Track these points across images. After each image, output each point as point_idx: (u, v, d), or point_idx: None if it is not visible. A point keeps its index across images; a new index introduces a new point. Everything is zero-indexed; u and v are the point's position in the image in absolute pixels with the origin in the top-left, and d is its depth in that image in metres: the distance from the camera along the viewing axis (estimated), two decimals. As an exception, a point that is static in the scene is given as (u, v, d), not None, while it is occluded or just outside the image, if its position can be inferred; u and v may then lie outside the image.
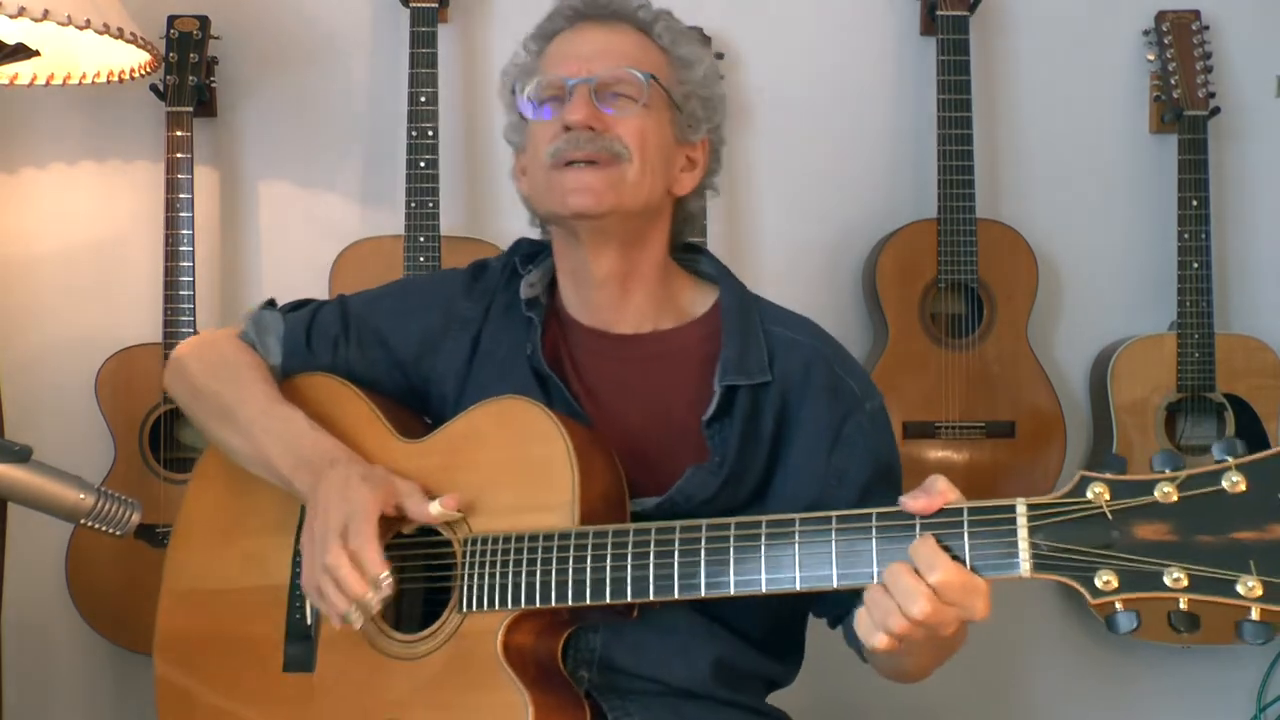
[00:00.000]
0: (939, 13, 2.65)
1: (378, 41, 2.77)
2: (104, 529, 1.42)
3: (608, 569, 1.35)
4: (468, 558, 1.43)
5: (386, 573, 1.38)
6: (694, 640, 1.50)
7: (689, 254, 1.68)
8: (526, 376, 1.55)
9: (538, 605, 1.38)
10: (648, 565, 1.33)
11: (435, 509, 1.42)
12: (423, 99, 2.56)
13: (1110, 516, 1.11)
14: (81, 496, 1.39)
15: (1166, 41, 2.72)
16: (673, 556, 1.32)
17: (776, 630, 1.58)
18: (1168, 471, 1.10)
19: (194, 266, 2.53)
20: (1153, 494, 1.10)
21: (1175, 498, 1.09)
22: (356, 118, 2.77)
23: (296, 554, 1.55)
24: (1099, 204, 2.83)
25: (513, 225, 2.53)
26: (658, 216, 1.57)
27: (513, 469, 1.45)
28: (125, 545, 2.41)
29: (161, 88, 2.57)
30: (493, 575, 1.41)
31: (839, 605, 1.51)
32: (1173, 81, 2.69)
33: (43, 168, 2.72)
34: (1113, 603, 1.11)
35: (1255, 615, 1.07)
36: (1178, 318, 2.64)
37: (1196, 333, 2.63)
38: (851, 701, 2.76)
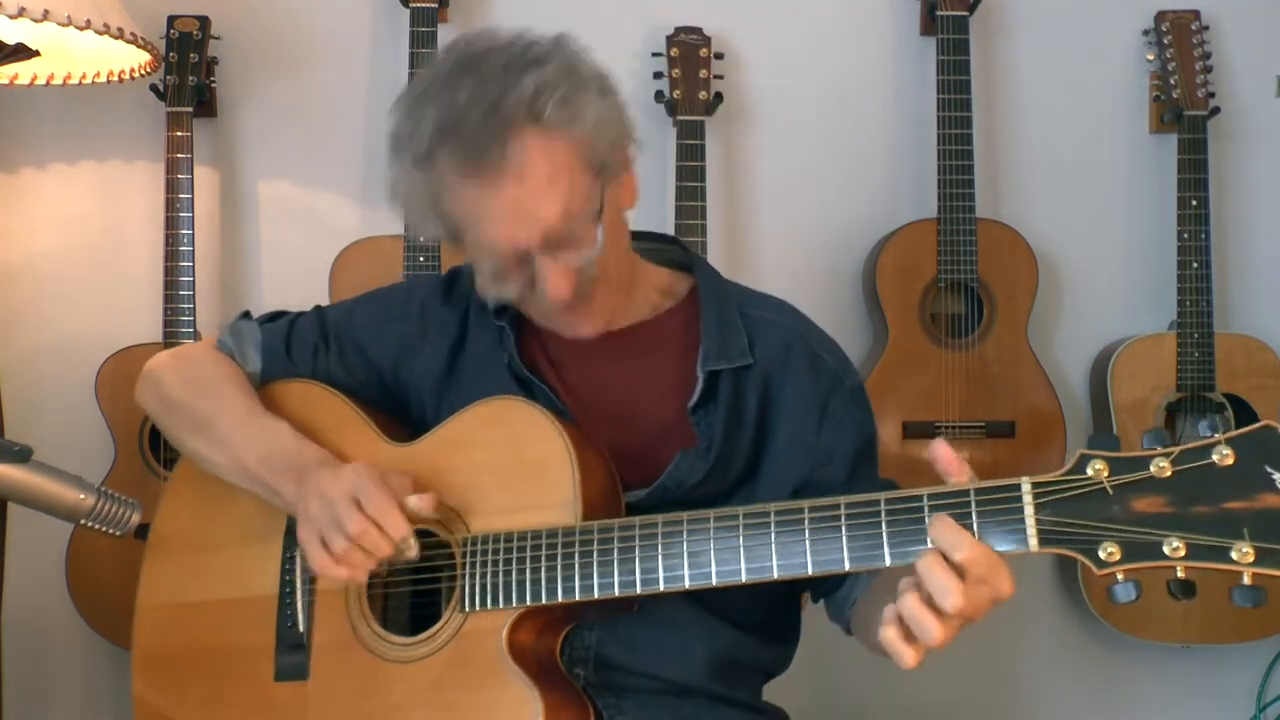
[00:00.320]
0: (939, 13, 2.65)
1: (378, 41, 2.77)
2: (104, 529, 1.41)
3: (615, 563, 1.36)
4: (468, 558, 1.43)
5: (410, 536, 1.40)
6: (690, 634, 1.50)
7: (660, 243, 1.67)
8: (508, 382, 1.55)
9: (544, 602, 1.38)
10: (656, 557, 1.34)
11: (412, 501, 1.41)
12: (423, 99, 2.56)
13: (1110, 491, 1.17)
14: (81, 496, 1.39)
15: (1166, 41, 2.72)
16: (681, 546, 1.34)
17: (771, 615, 1.59)
18: (1161, 448, 1.16)
19: (194, 266, 2.53)
20: (1149, 469, 1.16)
21: (1170, 472, 1.15)
22: (356, 118, 2.77)
23: (285, 562, 1.54)
24: (1099, 204, 2.83)
25: (513, 225, 2.53)
26: None
27: (509, 469, 1.45)
28: (125, 545, 2.37)
29: (161, 88, 2.57)
30: (495, 573, 1.41)
31: (825, 581, 1.51)
32: (1172, 81, 2.69)
33: (43, 168, 2.72)
34: (1115, 573, 1.17)
35: (1247, 580, 1.14)
36: (1178, 317, 2.64)
37: (1196, 332, 2.63)
38: (852, 701, 2.76)
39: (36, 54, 2.16)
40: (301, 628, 1.52)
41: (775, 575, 1.29)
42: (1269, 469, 1.13)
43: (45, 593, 2.60)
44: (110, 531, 1.42)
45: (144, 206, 2.69)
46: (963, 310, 2.67)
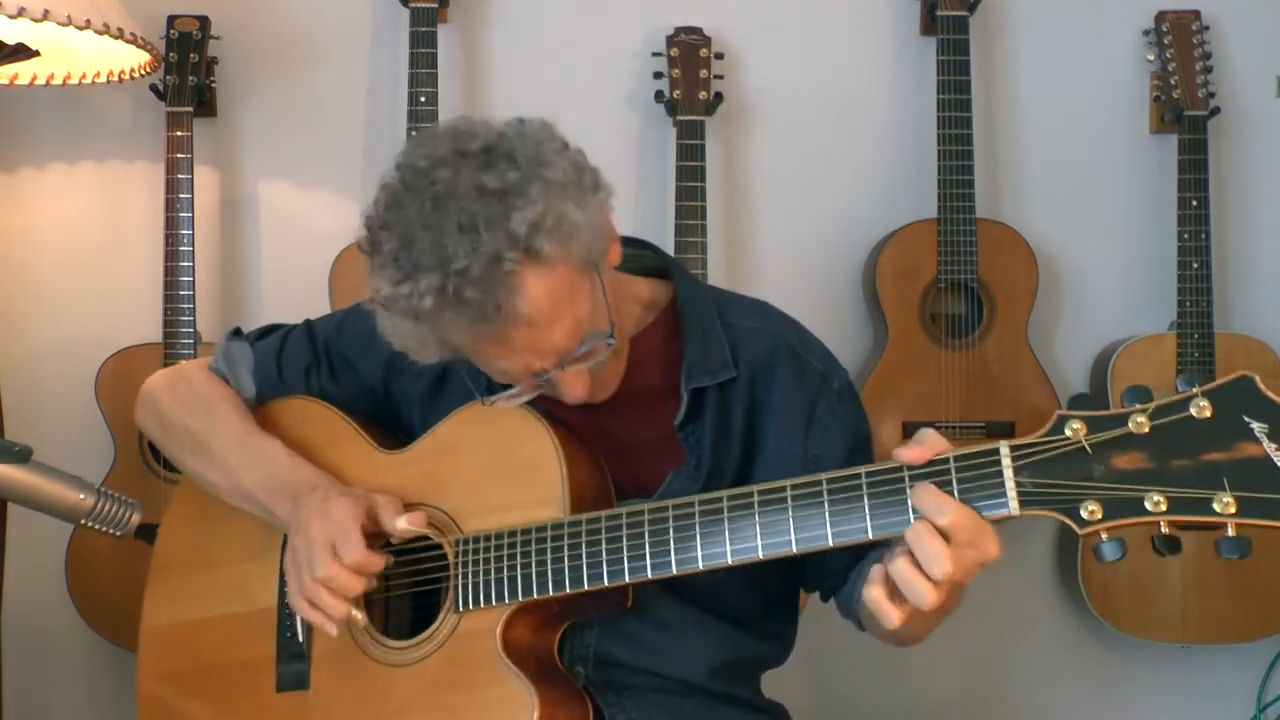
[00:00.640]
0: (939, 13, 2.65)
1: (378, 41, 2.77)
2: (104, 529, 1.42)
3: (603, 551, 1.36)
4: (460, 558, 1.44)
5: (388, 563, 1.43)
6: (687, 632, 1.50)
7: (636, 249, 1.60)
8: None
9: (535, 596, 1.39)
10: (643, 543, 1.35)
11: (401, 523, 1.43)
12: (423, 99, 2.56)
13: (1089, 450, 1.17)
14: (81, 497, 1.40)
15: (1166, 42, 2.72)
16: (668, 533, 1.34)
17: (768, 610, 1.59)
18: (1139, 405, 1.16)
19: (194, 266, 2.53)
20: (1127, 426, 1.16)
21: (1148, 428, 1.15)
22: (356, 118, 2.77)
23: (284, 575, 1.54)
24: (1099, 204, 2.83)
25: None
26: None
27: (499, 470, 1.46)
28: (125, 545, 2.37)
29: (161, 88, 2.57)
30: (487, 572, 1.42)
31: (830, 578, 1.53)
32: (1173, 81, 2.69)
33: (43, 168, 2.72)
34: (1099, 532, 1.16)
35: (1231, 531, 1.13)
36: (1178, 318, 2.64)
37: (1196, 333, 2.63)
38: (851, 701, 2.76)
39: (36, 54, 2.16)
40: (301, 638, 1.53)
41: (760, 555, 1.30)
42: (1247, 419, 1.13)
43: (45, 593, 2.60)
44: (110, 532, 1.42)
45: (144, 206, 2.69)
46: (963, 310, 2.67)
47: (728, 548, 1.31)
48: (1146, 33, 2.78)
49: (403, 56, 2.61)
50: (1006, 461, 1.20)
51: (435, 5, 2.60)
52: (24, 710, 2.64)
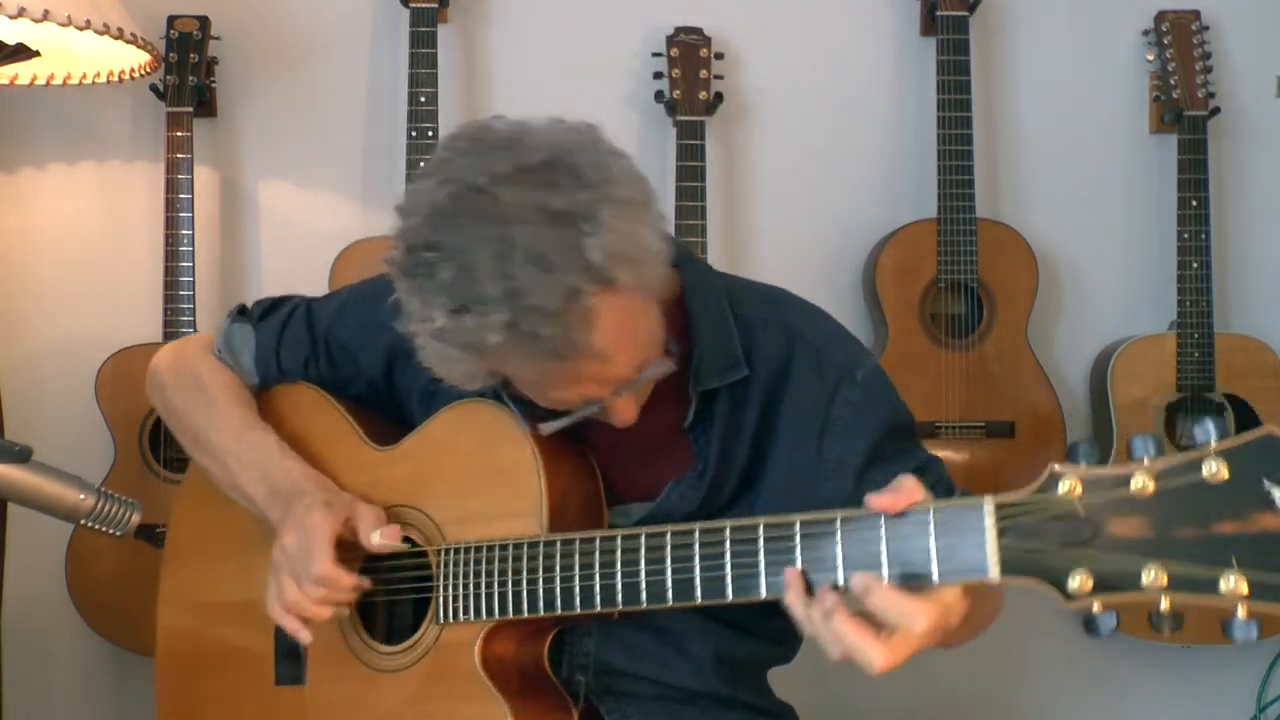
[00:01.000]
0: (939, 13, 2.65)
1: (378, 42, 2.77)
2: (104, 529, 1.41)
3: (576, 579, 1.33)
4: (443, 568, 1.42)
5: (360, 581, 1.42)
6: (686, 637, 1.48)
7: None
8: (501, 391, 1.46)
9: (510, 616, 1.36)
10: (615, 574, 1.31)
11: (375, 538, 1.41)
12: (423, 99, 2.56)
13: (1083, 513, 1.03)
14: (81, 496, 1.39)
15: (1166, 42, 2.72)
16: (639, 565, 1.29)
17: (766, 614, 1.56)
18: (1145, 461, 1.02)
19: (194, 266, 2.53)
20: (1129, 486, 1.01)
21: (1152, 489, 1.01)
22: (356, 118, 2.77)
23: None
24: (1099, 204, 2.83)
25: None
26: None
27: (480, 475, 1.43)
28: (125, 545, 2.40)
29: (161, 88, 2.57)
30: (467, 585, 1.39)
31: None
32: (1172, 82, 2.69)
33: (43, 168, 2.72)
34: (1090, 604, 1.03)
35: (1241, 614, 0.98)
36: (1177, 318, 2.64)
37: (1196, 332, 2.63)
38: (852, 702, 2.76)
39: (36, 54, 2.16)
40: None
41: (729, 599, 1.23)
42: (1268, 485, 0.97)
43: (45, 593, 2.59)
44: (110, 532, 1.42)
45: (144, 206, 2.69)
46: (963, 310, 2.67)
47: (697, 593, 1.25)
48: (1146, 33, 2.78)
49: (403, 56, 2.61)
50: (990, 520, 1.07)
51: (435, 5, 2.60)
52: (24, 710, 2.64)
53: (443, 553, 1.42)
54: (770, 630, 1.57)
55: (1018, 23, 2.83)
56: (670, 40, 2.67)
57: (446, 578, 1.41)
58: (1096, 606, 1.03)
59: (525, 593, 1.35)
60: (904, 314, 2.64)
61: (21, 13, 1.96)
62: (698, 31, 2.68)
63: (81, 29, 2.04)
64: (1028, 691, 2.86)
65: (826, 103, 2.81)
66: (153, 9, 2.55)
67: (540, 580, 1.34)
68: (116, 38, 2.11)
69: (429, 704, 1.42)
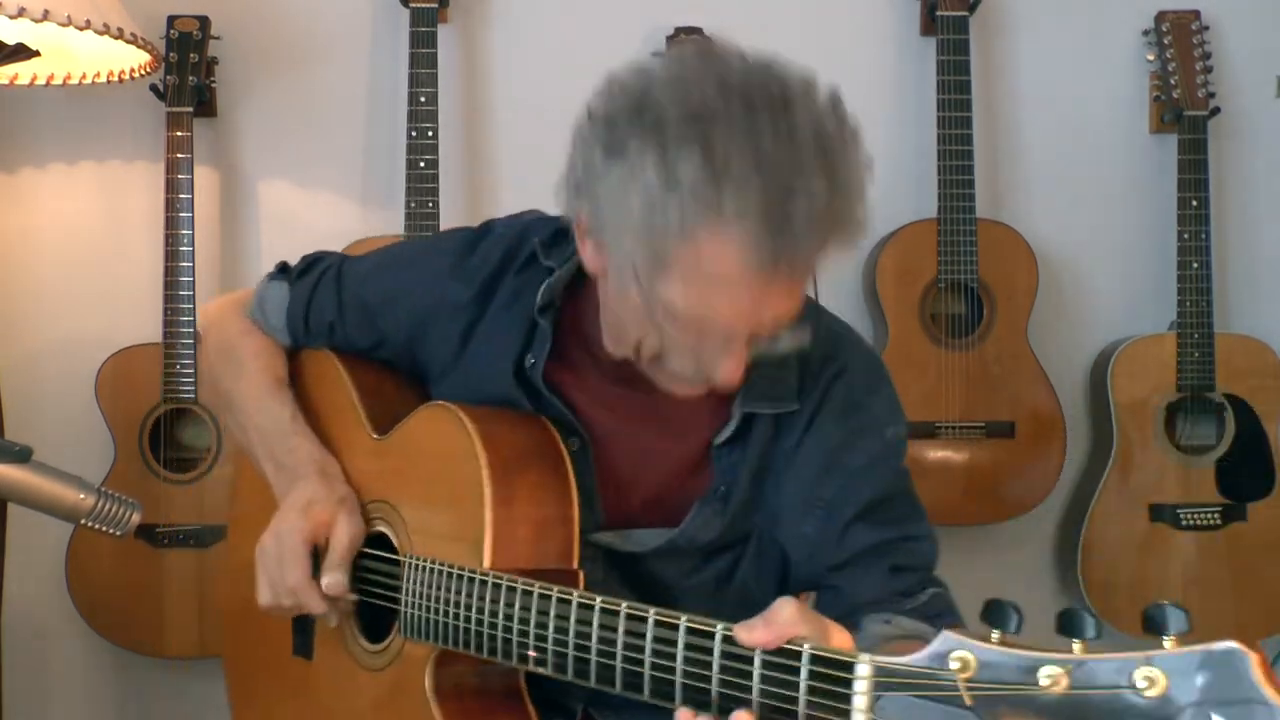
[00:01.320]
0: (939, 13, 2.65)
1: (378, 42, 2.77)
2: (104, 529, 1.41)
3: (514, 630, 1.24)
4: (406, 580, 1.37)
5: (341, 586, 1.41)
6: None
7: None
8: (511, 386, 1.40)
9: (452, 649, 1.31)
10: (547, 638, 1.21)
11: (325, 579, 1.40)
12: (422, 99, 2.56)
13: (969, 702, 0.84)
14: (81, 496, 1.39)
15: (1166, 41, 2.72)
16: (568, 634, 1.19)
17: None
18: (1075, 647, 0.83)
19: (194, 266, 2.53)
20: (1035, 682, 0.81)
21: (1063, 687, 0.80)
22: (356, 118, 2.77)
23: None
24: (1099, 204, 2.83)
25: (513, 225, 2.53)
26: None
27: (440, 488, 1.38)
28: (125, 545, 2.41)
29: (161, 88, 2.57)
30: (421, 606, 1.34)
31: (810, 584, 1.43)
32: (1172, 81, 2.69)
33: (43, 168, 2.72)
34: None
35: None
36: (1177, 318, 2.64)
37: (1196, 332, 2.63)
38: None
39: (36, 54, 2.16)
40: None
41: (618, 689, 1.14)
42: (1214, 716, 0.74)
43: (45, 593, 2.60)
44: (110, 532, 1.42)
45: (144, 206, 2.69)
46: (963, 310, 2.67)
47: (618, 679, 1.13)
48: (1146, 33, 2.78)
49: (403, 56, 2.61)
50: (862, 685, 0.91)
51: (435, 5, 2.60)
52: (24, 710, 2.64)
53: (409, 563, 1.38)
54: None
55: (1018, 23, 2.83)
56: (670, 40, 2.68)
57: (410, 592, 1.36)
58: None
59: (462, 629, 1.29)
60: (904, 314, 2.64)
61: (21, 13, 1.96)
62: (698, 31, 2.68)
63: (81, 29, 2.04)
64: None
65: (826, 103, 2.80)
66: (153, 9, 2.55)
67: (474, 619, 1.27)
68: (116, 38, 2.11)
69: (387, 712, 1.41)
